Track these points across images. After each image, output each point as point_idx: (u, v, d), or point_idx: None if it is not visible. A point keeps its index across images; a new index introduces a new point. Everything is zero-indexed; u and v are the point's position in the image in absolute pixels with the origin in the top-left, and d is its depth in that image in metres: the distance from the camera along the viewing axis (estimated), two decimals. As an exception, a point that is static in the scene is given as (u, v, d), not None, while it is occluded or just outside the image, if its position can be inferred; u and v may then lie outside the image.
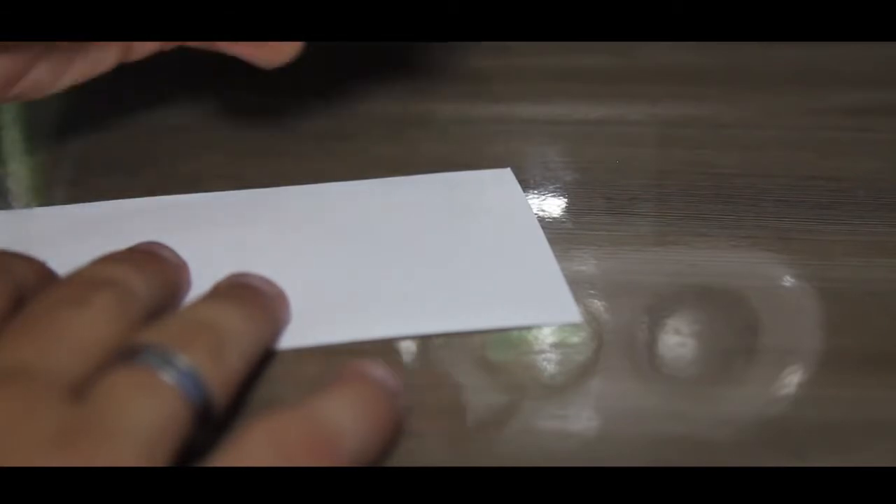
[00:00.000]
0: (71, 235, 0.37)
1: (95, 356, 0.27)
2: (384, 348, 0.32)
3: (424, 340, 0.32)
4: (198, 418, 0.26)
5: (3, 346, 0.26)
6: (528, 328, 0.33)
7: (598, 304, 0.34)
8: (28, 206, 0.39)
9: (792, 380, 0.31)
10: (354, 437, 0.26)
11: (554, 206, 0.39)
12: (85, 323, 0.27)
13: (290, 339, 0.32)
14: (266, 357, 0.31)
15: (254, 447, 0.25)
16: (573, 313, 0.33)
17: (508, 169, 0.41)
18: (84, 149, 0.43)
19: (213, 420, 0.27)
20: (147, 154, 0.42)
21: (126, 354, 0.26)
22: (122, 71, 0.38)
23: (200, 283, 0.32)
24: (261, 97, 0.45)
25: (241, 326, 0.29)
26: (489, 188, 0.39)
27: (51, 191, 0.41)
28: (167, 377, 0.26)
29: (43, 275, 0.31)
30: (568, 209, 0.39)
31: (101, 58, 0.37)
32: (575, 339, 0.32)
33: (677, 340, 0.33)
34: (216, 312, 0.29)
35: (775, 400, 0.31)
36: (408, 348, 0.32)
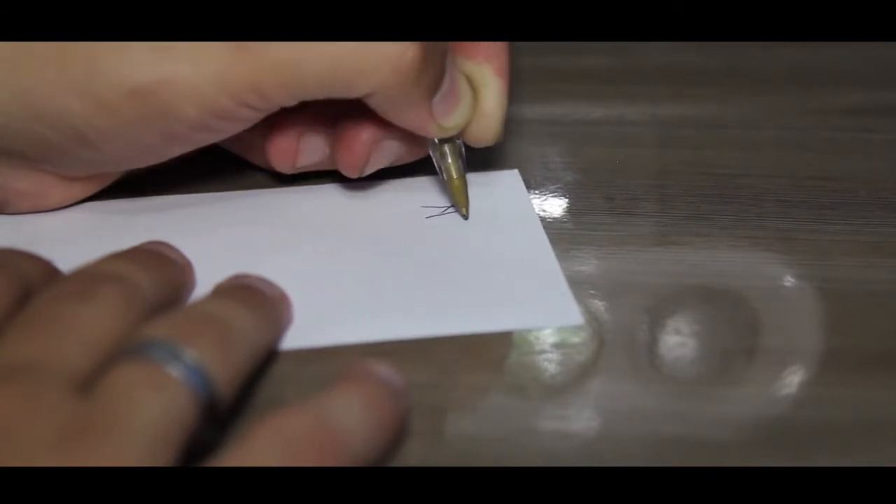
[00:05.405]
0: (75, 235, 0.36)
1: (100, 350, 0.26)
2: (386, 349, 0.32)
3: (426, 341, 0.32)
4: (203, 413, 0.26)
5: (7, 340, 0.26)
6: (530, 329, 0.33)
7: (598, 305, 0.34)
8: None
9: (792, 380, 0.31)
10: (360, 437, 0.26)
11: (554, 206, 0.39)
12: (90, 317, 0.27)
13: (295, 339, 0.32)
14: (271, 357, 0.31)
15: (261, 446, 0.25)
16: (575, 316, 0.33)
17: (516, 170, 0.40)
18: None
19: (217, 415, 0.26)
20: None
21: (132, 348, 0.26)
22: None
23: (204, 282, 0.32)
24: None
25: (245, 323, 0.29)
26: (494, 190, 0.39)
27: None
28: (174, 371, 0.25)
29: (48, 272, 0.31)
30: (568, 209, 0.39)
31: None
32: (575, 340, 0.32)
33: (677, 340, 0.33)
34: (221, 308, 0.29)
35: (775, 400, 0.31)
36: (409, 349, 0.32)
